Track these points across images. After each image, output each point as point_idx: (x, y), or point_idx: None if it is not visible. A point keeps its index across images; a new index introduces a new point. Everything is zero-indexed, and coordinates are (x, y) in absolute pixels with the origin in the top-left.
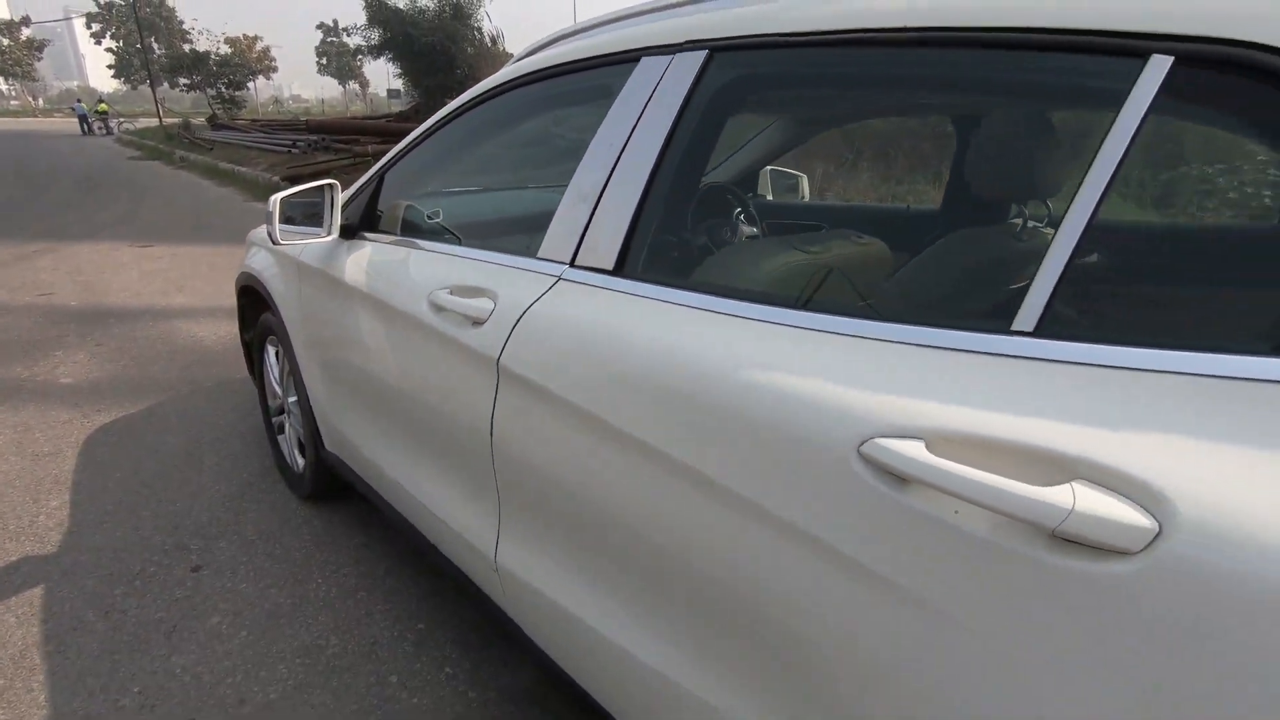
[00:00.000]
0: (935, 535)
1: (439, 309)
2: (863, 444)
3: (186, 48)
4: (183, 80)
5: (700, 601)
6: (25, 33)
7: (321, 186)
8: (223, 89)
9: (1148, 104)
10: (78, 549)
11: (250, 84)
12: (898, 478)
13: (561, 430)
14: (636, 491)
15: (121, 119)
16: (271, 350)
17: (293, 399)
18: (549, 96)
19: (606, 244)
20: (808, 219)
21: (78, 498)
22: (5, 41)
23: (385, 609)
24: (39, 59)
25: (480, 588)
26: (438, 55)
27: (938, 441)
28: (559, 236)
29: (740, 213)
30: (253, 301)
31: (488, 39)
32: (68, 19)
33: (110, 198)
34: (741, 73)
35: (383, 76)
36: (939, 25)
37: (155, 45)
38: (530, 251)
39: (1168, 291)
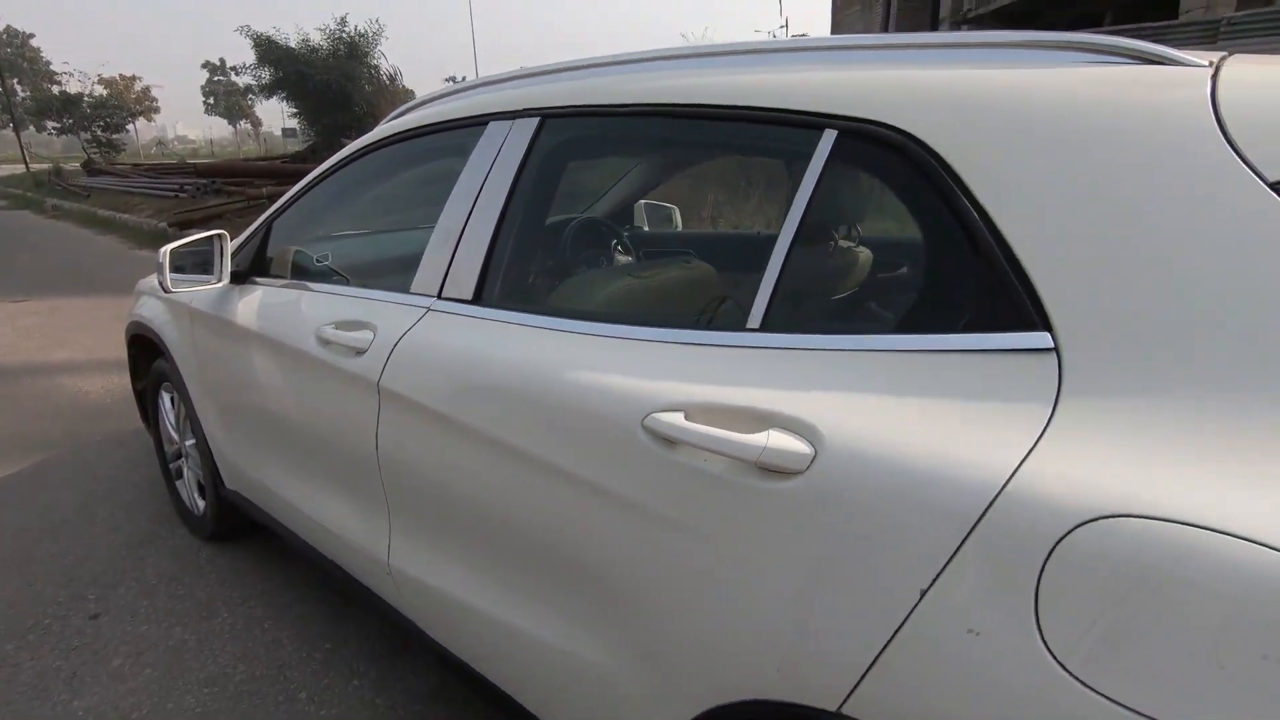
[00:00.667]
0: (693, 478)
1: (325, 343)
2: (645, 418)
3: (56, 89)
4: (52, 124)
5: (543, 561)
6: None
7: (211, 236)
8: (98, 132)
9: (823, 162)
10: None
11: (130, 126)
12: (668, 441)
13: (432, 436)
14: (490, 479)
15: None
16: (166, 396)
17: (190, 442)
18: (416, 153)
19: (466, 278)
20: (671, 245)
21: None
22: None
23: (293, 634)
24: None
25: (377, 593)
26: (333, 94)
27: (693, 412)
28: (428, 273)
29: (617, 243)
30: (144, 349)
31: (385, 77)
32: None
33: None
34: (567, 135)
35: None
36: (698, 103)
37: (19, 87)
38: (405, 288)
39: (831, 294)
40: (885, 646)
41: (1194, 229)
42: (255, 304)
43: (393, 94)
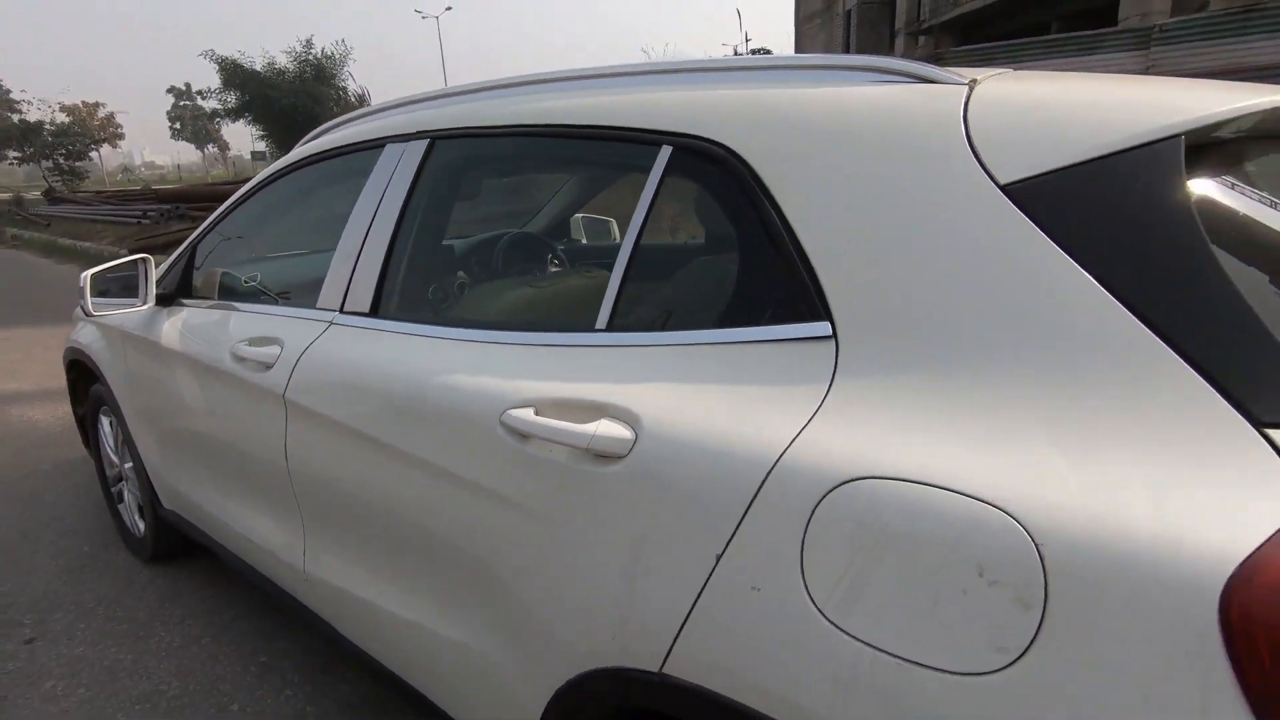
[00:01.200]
0: (541, 467)
1: (239, 359)
2: (502, 414)
3: (15, 118)
4: (13, 153)
5: (430, 556)
6: None
7: (135, 260)
8: (60, 160)
9: (658, 174)
10: None
11: (94, 153)
12: (521, 434)
13: (331, 443)
14: (380, 481)
15: None
16: (105, 420)
17: (129, 465)
18: (326, 175)
19: (364, 293)
20: (604, 257)
21: None
22: None
23: (229, 650)
24: None
25: (300, 600)
26: (300, 115)
27: (542, 407)
28: (331, 289)
29: (552, 257)
30: (82, 375)
31: (353, 97)
32: None
33: None
34: (454, 155)
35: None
36: (560, 123)
37: None
38: (313, 304)
39: (664, 295)
40: (691, 609)
41: (943, 228)
42: (180, 325)
43: None
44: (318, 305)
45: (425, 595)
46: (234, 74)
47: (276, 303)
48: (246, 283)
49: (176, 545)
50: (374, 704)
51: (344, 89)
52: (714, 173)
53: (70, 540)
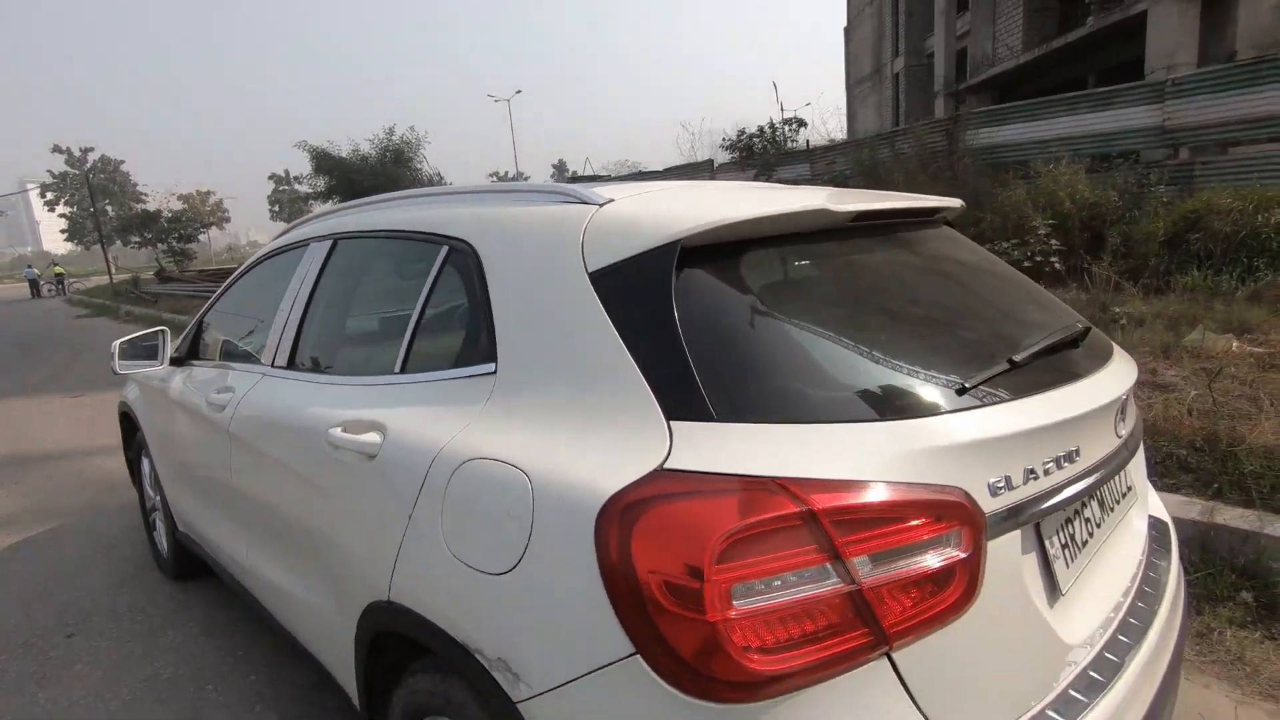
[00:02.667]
0: (341, 465)
1: (210, 404)
2: (328, 431)
3: (139, 207)
4: (134, 238)
5: (296, 538)
6: None
7: (156, 331)
8: (173, 243)
9: (439, 263)
10: None
11: (203, 235)
12: (334, 445)
13: (251, 461)
14: (271, 481)
15: (73, 279)
16: (145, 461)
17: (159, 497)
18: (280, 263)
19: (283, 352)
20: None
21: None
22: None
23: (218, 646)
24: None
25: (251, 592)
26: None
27: (347, 425)
28: (268, 350)
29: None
30: (128, 424)
31: (426, 180)
32: (24, 190)
33: (47, 357)
34: (348, 251)
35: None
36: (392, 228)
37: (109, 208)
38: (258, 360)
39: (426, 346)
40: (398, 552)
41: (556, 301)
42: (184, 380)
43: None
44: (261, 361)
45: (293, 568)
46: (323, 160)
47: (245, 360)
48: (227, 345)
49: (191, 565)
50: (319, 688)
51: (419, 171)
52: (464, 262)
53: (117, 563)
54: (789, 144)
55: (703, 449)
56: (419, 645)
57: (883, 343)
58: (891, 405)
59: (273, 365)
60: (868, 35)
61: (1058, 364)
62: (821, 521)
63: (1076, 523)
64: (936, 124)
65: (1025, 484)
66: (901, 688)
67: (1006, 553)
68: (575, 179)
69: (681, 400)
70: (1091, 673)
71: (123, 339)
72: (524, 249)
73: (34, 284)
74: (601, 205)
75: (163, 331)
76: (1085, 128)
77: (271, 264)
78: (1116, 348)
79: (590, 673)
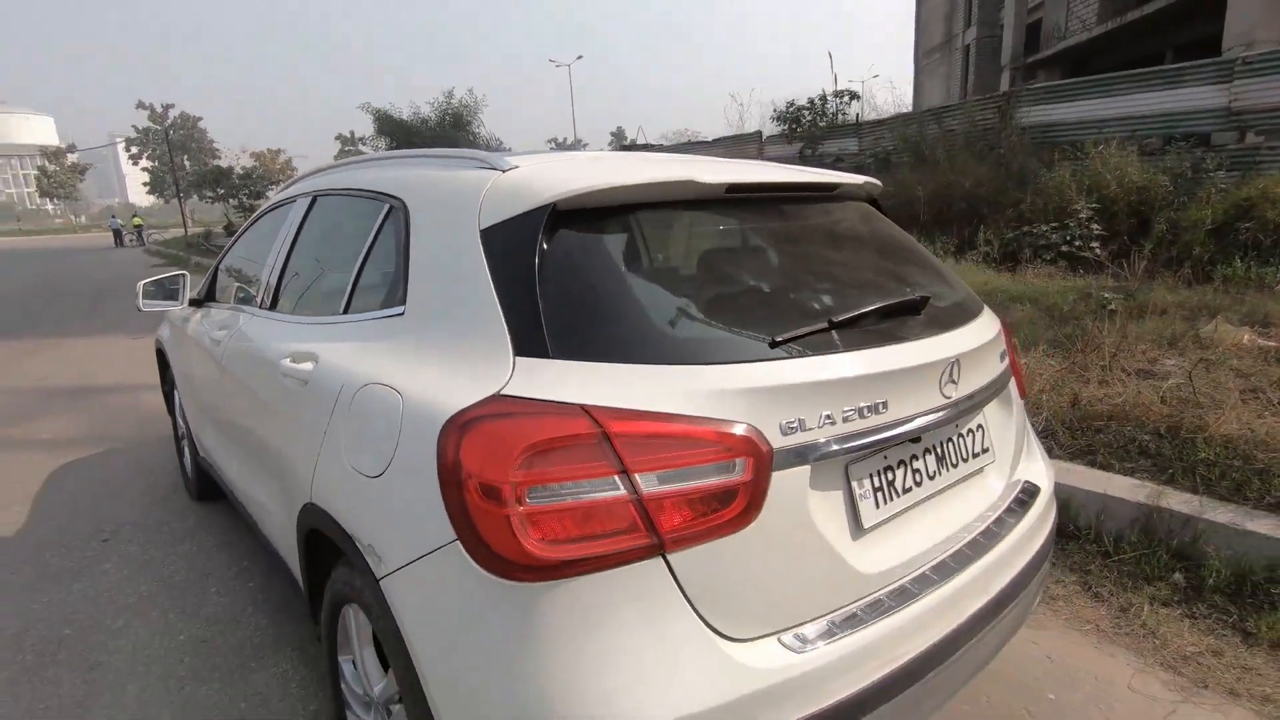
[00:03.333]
0: (286, 388)
1: (212, 341)
2: (280, 362)
3: (213, 163)
4: (207, 193)
5: (261, 451)
6: (71, 158)
7: (177, 275)
8: (244, 199)
9: (381, 218)
10: (27, 535)
11: (272, 191)
12: (284, 373)
13: (235, 386)
14: (246, 402)
15: (152, 230)
16: (176, 393)
17: (186, 426)
18: (274, 216)
19: (267, 294)
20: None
21: (34, 507)
22: (51, 167)
23: (226, 557)
24: (82, 181)
25: (241, 503)
26: None
27: (294, 356)
28: (258, 292)
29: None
30: (162, 360)
31: (482, 144)
32: (111, 144)
33: (119, 301)
34: (322, 206)
35: None
36: (347, 187)
37: (186, 163)
38: (251, 302)
39: (361, 293)
40: (317, 459)
41: (453, 253)
42: (198, 319)
43: None
44: (254, 304)
45: (261, 481)
46: (384, 122)
47: (244, 302)
48: (232, 289)
49: (211, 487)
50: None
51: (476, 135)
52: (397, 217)
53: (152, 484)
54: (840, 117)
55: (536, 380)
56: (337, 546)
57: (712, 300)
58: (703, 352)
59: (259, 306)
60: (940, 3)
61: (889, 327)
62: (613, 441)
63: (900, 471)
64: (989, 100)
65: (821, 427)
66: (676, 586)
67: (796, 485)
68: (628, 147)
69: (527, 339)
70: (883, 599)
71: (147, 279)
72: (438, 207)
73: (117, 233)
74: (505, 171)
75: (183, 275)
76: (1147, 107)
77: (271, 216)
78: (983, 318)
79: (425, 554)
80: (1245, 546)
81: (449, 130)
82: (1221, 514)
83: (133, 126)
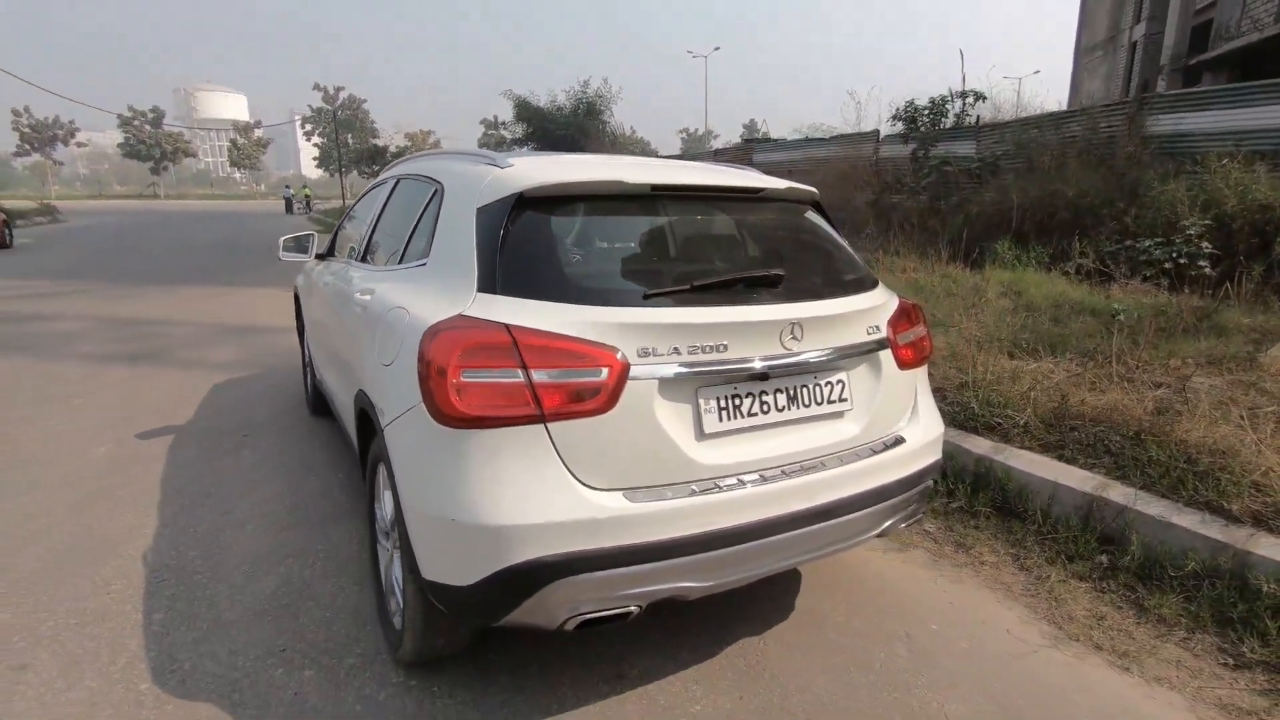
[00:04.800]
0: (358, 310)
1: (324, 284)
2: (355, 294)
3: (372, 142)
4: (365, 169)
5: (344, 357)
6: (257, 133)
7: (307, 235)
8: None
9: (429, 195)
10: (190, 428)
11: None
12: (356, 303)
13: (332, 315)
14: (334, 326)
15: (317, 200)
16: (304, 329)
17: (308, 354)
18: (374, 193)
19: (359, 250)
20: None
21: (201, 410)
22: (241, 140)
23: (324, 454)
24: (264, 153)
25: (333, 405)
26: (571, 145)
27: (363, 291)
28: (356, 249)
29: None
30: (297, 303)
31: (610, 133)
32: (291, 121)
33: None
34: (401, 186)
35: None
36: (409, 173)
37: (350, 140)
38: (353, 256)
39: (415, 249)
40: (363, 360)
41: (460, 223)
42: (321, 269)
43: (624, 145)
44: (353, 257)
45: (339, 380)
46: (524, 109)
47: (348, 256)
48: (342, 246)
49: (322, 403)
50: None
51: (607, 124)
52: (438, 195)
53: (284, 399)
54: (965, 119)
55: (485, 307)
56: (374, 423)
57: (614, 265)
58: (594, 298)
59: (355, 259)
60: None
61: (743, 294)
62: (519, 348)
63: (748, 400)
64: (1115, 106)
65: (668, 355)
66: (551, 444)
67: (645, 391)
68: (751, 140)
69: (486, 281)
70: (713, 483)
71: (285, 236)
72: (460, 190)
73: (288, 202)
74: (503, 168)
75: (311, 235)
76: None
77: (372, 193)
78: (861, 298)
79: (405, 411)
80: (1166, 537)
81: (582, 119)
82: (1153, 507)
83: (309, 105)
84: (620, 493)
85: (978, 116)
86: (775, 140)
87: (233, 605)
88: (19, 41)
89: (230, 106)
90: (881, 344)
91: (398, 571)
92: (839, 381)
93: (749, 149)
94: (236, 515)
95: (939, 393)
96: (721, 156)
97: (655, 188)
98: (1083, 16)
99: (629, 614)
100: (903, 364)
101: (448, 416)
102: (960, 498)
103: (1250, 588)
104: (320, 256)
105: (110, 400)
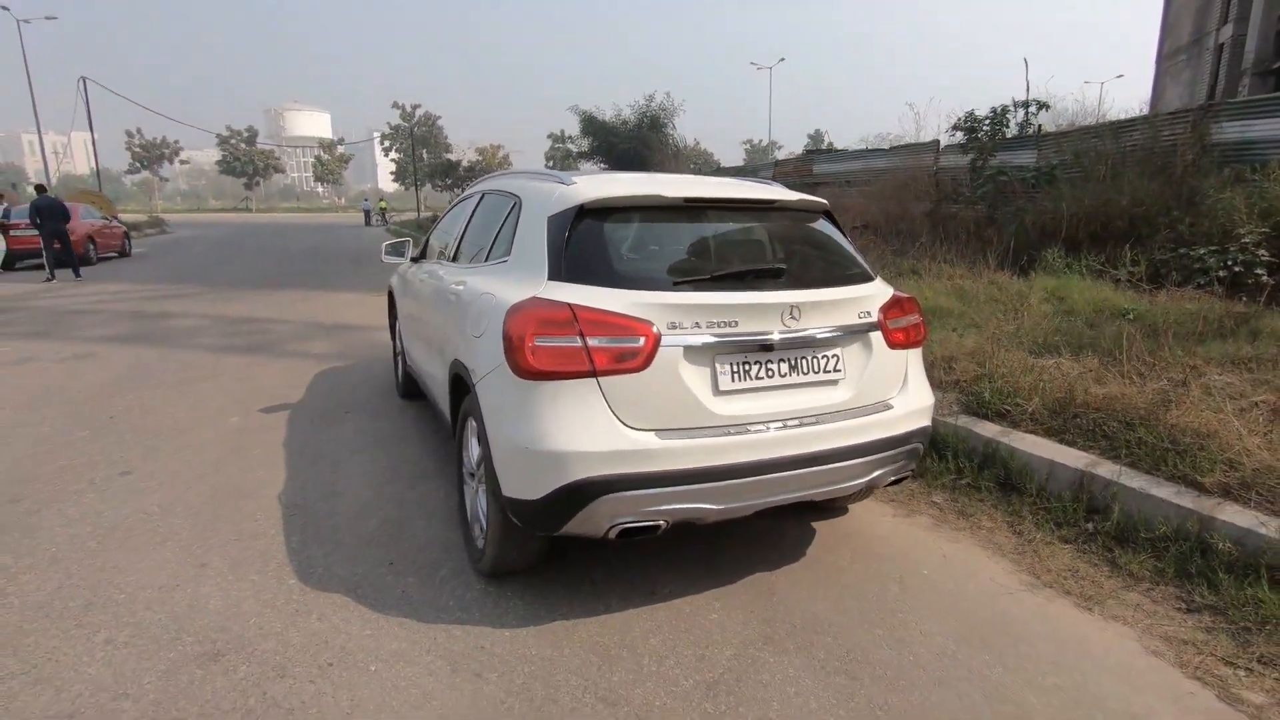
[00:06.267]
0: (449, 301)
1: (420, 281)
2: (449, 285)
3: (446, 157)
4: (439, 182)
5: (433, 338)
6: (340, 149)
7: (404, 240)
8: (466, 188)
9: (509, 207)
10: (300, 406)
11: None
12: (450, 292)
13: (426, 307)
14: (429, 315)
15: (394, 213)
16: (398, 323)
17: (400, 345)
18: (463, 205)
19: (450, 252)
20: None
21: (308, 392)
22: (325, 156)
23: (415, 428)
24: (345, 169)
25: (424, 383)
26: (634, 158)
27: (456, 282)
28: (447, 251)
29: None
30: (391, 300)
31: (672, 145)
32: (370, 139)
33: (366, 268)
34: (489, 200)
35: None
36: (492, 189)
37: (425, 155)
38: (443, 258)
39: (497, 252)
40: (458, 336)
41: (536, 227)
42: (415, 270)
43: (686, 157)
44: (449, 259)
45: (431, 359)
46: (589, 124)
47: (439, 258)
48: (435, 250)
49: (412, 388)
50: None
51: (670, 136)
52: (517, 207)
53: (377, 385)
54: (1028, 128)
55: (552, 291)
56: (464, 383)
57: (653, 259)
58: (637, 284)
59: (447, 260)
60: None
61: (752, 282)
62: (579, 321)
63: (755, 366)
64: (1180, 114)
65: (691, 329)
66: (602, 395)
67: (673, 356)
68: (813, 152)
69: (555, 272)
70: (726, 428)
71: (387, 242)
72: (533, 203)
73: (367, 214)
74: (567, 185)
75: (407, 240)
76: None
77: (461, 205)
78: (854, 289)
79: (492, 370)
80: (1145, 506)
81: (646, 132)
82: (1136, 481)
83: (387, 123)
84: (653, 432)
85: (1038, 126)
86: (836, 151)
87: (350, 534)
88: (130, 66)
89: (315, 125)
90: (872, 326)
91: (482, 502)
92: (834, 355)
93: (810, 161)
94: (345, 471)
95: (957, 384)
96: (783, 167)
97: (688, 200)
98: (1166, 20)
99: (658, 528)
100: (893, 344)
101: (525, 371)
102: (968, 475)
103: (1211, 547)
104: (415, 260)
105: (232, 384)
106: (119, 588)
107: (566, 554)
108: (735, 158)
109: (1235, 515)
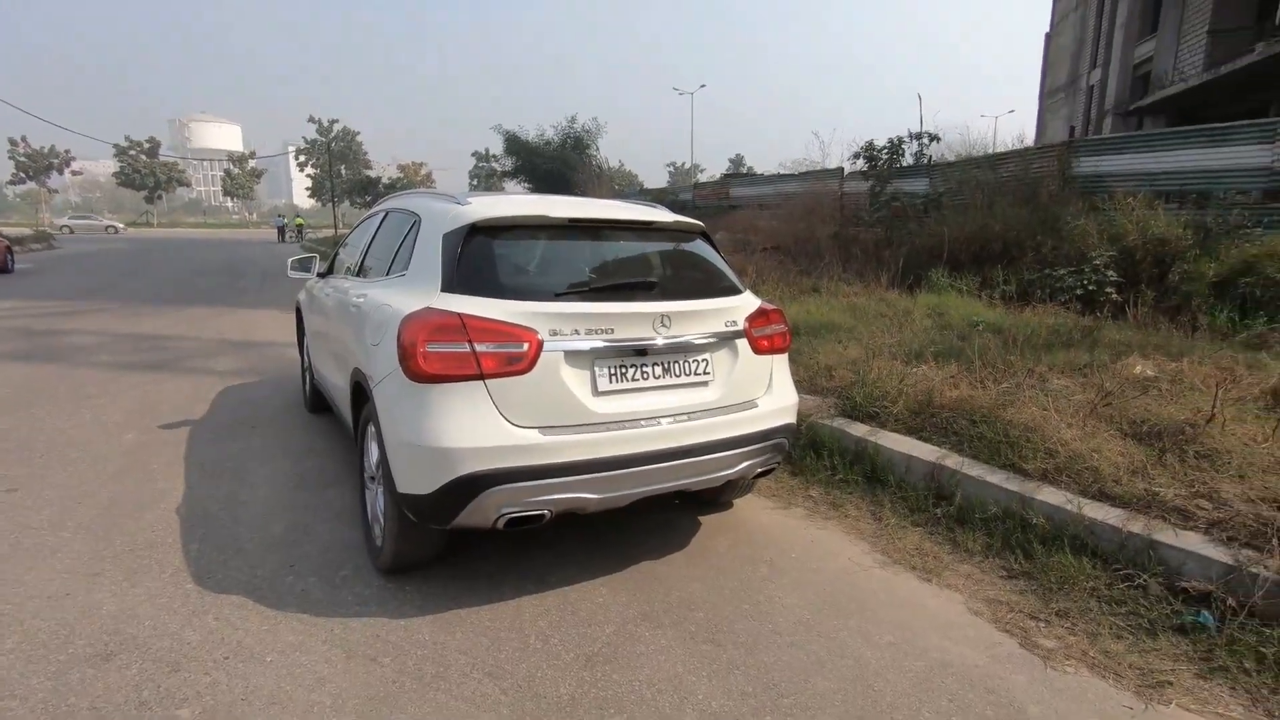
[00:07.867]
0: (350, 313)
1: (324, 295)
2: (351, 299)
3: (366, 173)
4: (357, 199)
5: (337, 349)
6: (251, 163)
7: (310, 256)
8: None
9: (410, 225)
10: (203, 422)
11: None
12: (352, 305)
13: (330, 321)
14: (334, 328)
15: (309, 230)
16: (305, 338)
17: (307, 360)
18: (367, 222)
19: (354, 268)
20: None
21: (212, 408)
22: (235, 170)
23: (322, 441)
24: (258, 183)
25: (328, 393)
26: (557, 178)
27: (358, 295)
28: (351, 267)
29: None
30: (299, 315)
31: (595, 166)
32: (285, 153)
33: (275, 284)
34: (392, 217)
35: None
36: (395, 207)
37: (343, 171)
38: (345, 273)
39: (397, 266)
40: (358, 346)
41: (431, 246)
42: (322, 285)
43: (608, 178)
44: (350, 273)
45: (334, 370)
46: (513, 143)
47: (344, 273)
48: (339, 265)
49: (319, 401)
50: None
51: (592, 157)
52: (416, 225)
53: (286, 399)
54: (922, 159)
55: (444, 302)
56: (364, 390)
57: (536, 272)
58: (521, 294)
59: (352, 275)
60: (1068, 43)
61: (627, 294)
62: (467, 328)
63: (631, 370)
64: (1047, 149)
65: (571, 335)
66: (489, 396)
67: (554, 360)
68: (730, 176)
69: (447, 284)
70: (606, 424)
71: (292, 258)
72: (431, 221)
73: (280, 230)
74: (462, 205)
75: (314, 256)
76: (1195, 163)
77: (366, 222)
78: (724, 301)
79: (387, 375)
80: (981, 491)
81: (569, 153)
82: (975, 470)
83: (302, 137)
84: (536, 429)
85: (929, 157)
86: (752, 175)
87: (251, 540)
88: (18, 72)
89: (225, 137)
90: (739, 334)
91: (380, 504)
92: (704, 359)
93: (727, 184)
94: (249, 481)
95: (835, 389)
96: (702, 190)
97: (572, 220)
98: (1045, 61)
99: (543, 517)
100: (758, 350)
101: (417, 375)
102: (841, 470)
103: (1029, 524)
104: (321, 275)
105: (131, 400)
106: (4, 599)
107: (462, 551)
108: (660, 180)
109: (1049, 495)
